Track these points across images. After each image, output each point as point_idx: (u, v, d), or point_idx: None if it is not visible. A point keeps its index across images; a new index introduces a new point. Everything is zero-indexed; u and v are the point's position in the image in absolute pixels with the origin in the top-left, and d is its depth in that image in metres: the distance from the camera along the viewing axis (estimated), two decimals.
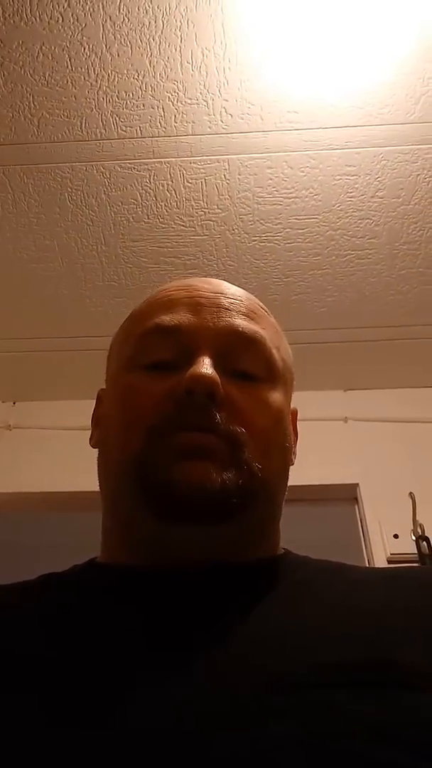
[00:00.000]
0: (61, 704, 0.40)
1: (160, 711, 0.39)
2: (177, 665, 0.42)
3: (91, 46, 1.32)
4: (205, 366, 0.51)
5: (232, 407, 0.52)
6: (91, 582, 0.55)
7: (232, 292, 0.61)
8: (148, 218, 1.62)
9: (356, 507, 1.87)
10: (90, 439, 0.63)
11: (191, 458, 0.49)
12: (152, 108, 1.42)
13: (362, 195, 1.57)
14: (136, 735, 0.37)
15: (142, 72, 1.36)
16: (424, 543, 1.67)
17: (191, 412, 0.50)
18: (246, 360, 0.56)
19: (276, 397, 0.57)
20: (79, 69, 1.35)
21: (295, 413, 0.65)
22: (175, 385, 0.52)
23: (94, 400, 0.67)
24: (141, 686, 0.41)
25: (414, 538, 1.69)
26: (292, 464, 0.62)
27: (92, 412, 0.66)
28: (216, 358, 0.53)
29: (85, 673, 0.43)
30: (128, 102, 1.40)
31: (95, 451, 0.62)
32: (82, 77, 1.36)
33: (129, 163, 1.51)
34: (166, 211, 1.60)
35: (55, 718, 0.39)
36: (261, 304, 0.63)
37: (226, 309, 0.58)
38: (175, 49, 1.32)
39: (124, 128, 1.45)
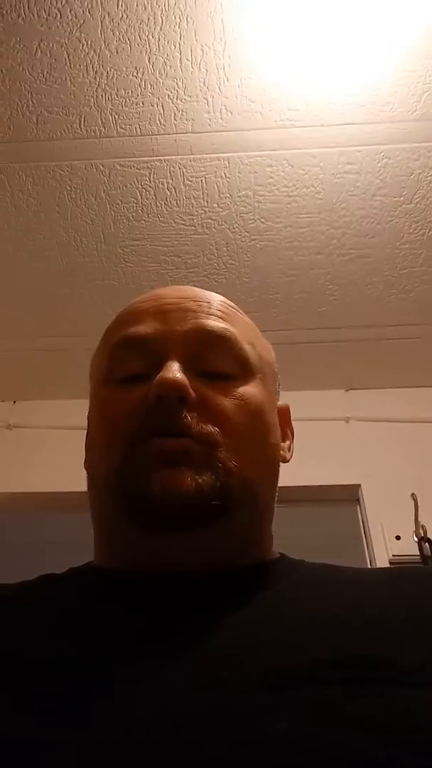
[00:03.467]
0: (56, 701, 0.40)
1: (154, 711, 0.38)
2: (170, 666, 0.42)
3: (89, 43, 1.31)
4: (173, 370, 0.51)
5: (205, 408, 0.52)
6: (89, 585, 0.55)
7: (200, 295, 0.60)
8: (148, 217, 1.61)
9: (358, 508, 1.86)
10: (84, 462, 0.63)
11: (166, 466, 0.49)
12: (152, 106, 1.41)
13: (364, 193, 1.56)
14: (131, 735, 0.37)
15: (142, 69, 1.35)
16: (427, 545, 1.66)
17: (163, 417, 0.50)
18: (216, 359, 0.55)
19: (252, 392, 0.56)
20: (78, 66, 1.34)
21: (286, 410, 0.65)
22: (146, 393, 0.52)
23: None
24: (135, 687, 0.41)
25: (416, 539, 1.68)
26: (285, 461, 0.61)
27: (85, 436, 0.65)
28: (186, 362, 0.53)
29: (80, 673, 0.42)
30: (127, 99, 1.39)
31: None
32: (81, 74, 1.35)
33: (128, 161, 1.50)
34: (166, 209, 1.59)
35: (51, 715, 0.39)
36: (232, 304, 0.63)
37: (193, 311, 0.57)
38: (175, 47, 1.31)
39: (123, 126, 1.44)
